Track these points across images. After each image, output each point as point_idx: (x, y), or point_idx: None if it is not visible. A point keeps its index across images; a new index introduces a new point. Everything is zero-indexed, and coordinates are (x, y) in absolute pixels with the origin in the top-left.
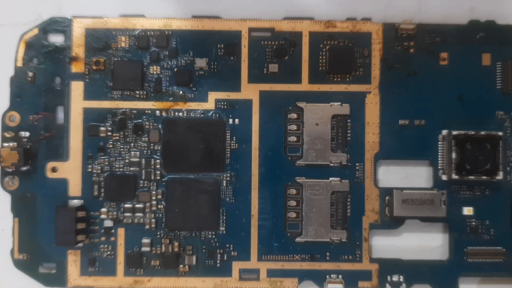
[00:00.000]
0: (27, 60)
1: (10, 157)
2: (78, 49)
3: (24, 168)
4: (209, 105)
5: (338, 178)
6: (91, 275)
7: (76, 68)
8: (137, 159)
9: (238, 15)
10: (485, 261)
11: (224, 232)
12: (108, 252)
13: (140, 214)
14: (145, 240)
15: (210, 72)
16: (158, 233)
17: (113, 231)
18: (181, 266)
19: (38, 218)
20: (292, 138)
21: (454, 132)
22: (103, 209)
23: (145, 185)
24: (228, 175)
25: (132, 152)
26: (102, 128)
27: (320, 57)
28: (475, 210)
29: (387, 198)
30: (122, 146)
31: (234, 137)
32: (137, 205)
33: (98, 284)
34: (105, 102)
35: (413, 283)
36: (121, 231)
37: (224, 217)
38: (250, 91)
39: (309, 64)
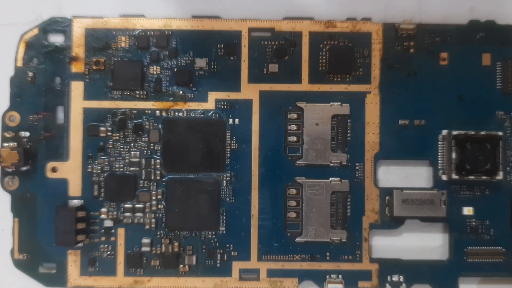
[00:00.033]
0: (27, 60)
1: (10, 157)
2: (78, 49)
3: (24, 168)
4: (209, 105)
5: (338, 178)
6: (91, 275)
7: (76, 68)
8: (137, 159)
9: (238, 15)
10: (485, 261)
11: (224, 232)
12: (108, 252)
13: (140, 214)
14: (145, 240)
15: (210, 72)
16: (158, 233)
17: (113, 231)
18: (181, 266)
19: (38, 218)
20: (292, 138)
21: (454, 132)
22: (103, 209)
23: (145, 185)
24: (228, 175)
25: (132, 152)
26: (102, 128)
27: (320, 57)
28: (475, 210)
29: (387, 198)
30: (122, 146)
31: (234, 137)
32: (137, 205)
33: (98, 284)
34: (105, 102)
35: (413, 283)
36: (121, 231)
37: (224, 217)
38: (250, 91)
39: (309, 64)
